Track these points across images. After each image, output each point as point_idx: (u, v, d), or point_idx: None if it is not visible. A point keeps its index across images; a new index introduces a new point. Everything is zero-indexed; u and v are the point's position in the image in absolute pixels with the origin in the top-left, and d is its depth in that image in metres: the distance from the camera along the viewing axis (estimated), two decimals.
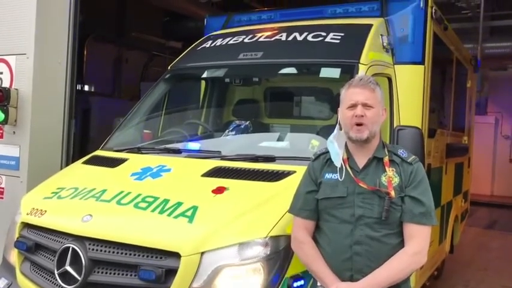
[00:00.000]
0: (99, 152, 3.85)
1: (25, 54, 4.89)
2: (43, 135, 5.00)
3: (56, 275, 2.68)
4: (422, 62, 3.99)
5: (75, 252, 2.65)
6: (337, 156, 2.30)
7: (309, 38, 3.90)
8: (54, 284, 2.74)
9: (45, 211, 3.03)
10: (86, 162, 3.71)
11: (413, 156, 2.33)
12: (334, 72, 3.65)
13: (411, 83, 3.93)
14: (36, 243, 2.97)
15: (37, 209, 3.07)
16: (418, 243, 2.21)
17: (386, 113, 2.41)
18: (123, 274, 2.56)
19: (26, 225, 3.11)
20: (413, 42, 4.00)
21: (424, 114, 4.00)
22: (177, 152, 3.58)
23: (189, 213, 2.64)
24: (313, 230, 2.38)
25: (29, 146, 4.88)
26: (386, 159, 2.28)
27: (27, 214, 3.10)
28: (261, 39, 4.12)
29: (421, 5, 4.00)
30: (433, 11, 4.13)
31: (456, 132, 5.84)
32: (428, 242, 2.26)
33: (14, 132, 4.95)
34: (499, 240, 9.00)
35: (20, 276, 3.05)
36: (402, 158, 2.30)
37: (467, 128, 6.63)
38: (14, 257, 3.13)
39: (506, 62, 13.37)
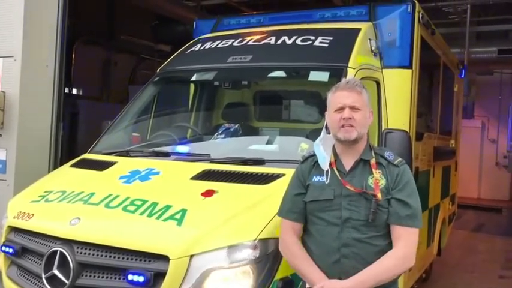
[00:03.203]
0: (87, 155, 3.83)
1: (12, 56, 4.87)
2: (30, 139, 4.97)
3: (43, 279, 2.67)
4: (410, 66, 4.03)
5: (62, 256, 2.63)
6: (324, 160, 2.31)
7: (298, 41, 3.91)
8: None
9: (33, 214, 3.00)
10: (73, 166, 3.69)
11: (400, 159, 2.35)
12: (322, 76, 3.67)
13: (399, 86, 3.96)
14: (23, 247, 2.95)
15: (24, 213, 3.04)
16: (406, 246, 2.22)
17: (372, 116, 2.42)
18: (111, 277, 2.56)
19: (13, 229, 3.08)
20: (401, 46, 4.03)
21: (411, 118, 4.04)
22: (166, 155, 3.57)
23: (178, 216, 2.63)
24: (301, 233, 2.39)
25: (16, 149, 4.85)
26: (373, 161, 2.29)
27: (14, 218, 3.07)
28: (250, 43, 4.13)
29: (409, 10, 4.04)
30: (421, 15, 4.17)
31: (443, 135, 5.89)
32: (416, 244, 2.27)
33: (0, 135, 4.91)
34: (486, 243, 9.08)
35: (6, 281, 3.02)
36: (389, 160, 2.31)
37: (455, 131, 6.70)
38: (0, 261, 3.10)
39: (493, 67, 13.53)
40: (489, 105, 15.10)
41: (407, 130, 3.59)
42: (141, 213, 2.72)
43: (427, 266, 5.61)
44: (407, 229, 2.23)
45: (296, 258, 2.33)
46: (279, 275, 2.49)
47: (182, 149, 3.84)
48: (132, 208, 2.77)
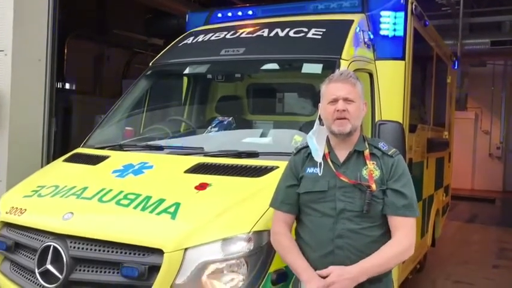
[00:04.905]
0: (80, 150, 3.81)
1: (3, 51, 4.81)
2: (23, 134, 4.93)
3: (37, 274, 2.65)
4: (403, 58, 4.02)
5: (56, 251, 2.62)
6: (317, 152, 2.31)
7: (291, 33, 3.90)
8: (35, 283, 2.71)
9: (25, 210, 2.99)
10: (66, 160, 3.67)
11: (394, 149, 2.35)
12: (316, 68, 3.66)
13: (392, 78, 3.96)
14: (16, 242, 2.93)
15: (17, 208, 3.02)
16: (406, 235, 2.23)
17: (366, 107, 2.42)
18: (105, 272, 2.55)
19: (6, 225, 3.06)
20: (394, 38, 4.02)
21: (405, 109, 4.04)
22: (159, 148, 3.56)
23: (171, 210, 2.63)
24: (292, 224, 2.39)
25: (8, 145, 4.80)
26: (367, 152, 2.29)
27: (7, 213, 3.05)
28: (243, 35, 4.11)
29: (402, 1, 4.03)
30: (414, 7, 4.17)
31: (437, 127, 5.90)
32: (414, 233, 2.29)
33: None
34: (480, 233, 9.14)
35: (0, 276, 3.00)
36: (383, 151, 2.31)
37: (448, 123, 6.72)
38: None
39: (486, 58, 13.58)
40: (482, 97, 15.18)
41: (401, 122, 3.59)
42: (135, 207, 2.71)
43: (421, 257, 5.64)
44: (404, 219, 2.23)
45: (284, 249, 2.34)
46: (273, 267, 2.49)
47: (175, 142, 3.82)
48: (126, 202, 2.76)
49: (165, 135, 4.03)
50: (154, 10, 11.36)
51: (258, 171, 2.92)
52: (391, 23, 4.03)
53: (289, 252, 2.31)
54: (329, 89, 2.31)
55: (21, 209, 3.01)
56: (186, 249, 2.43)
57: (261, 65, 4.07)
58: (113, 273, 2.52)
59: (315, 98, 3.94)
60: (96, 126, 4.08)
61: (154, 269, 2.42)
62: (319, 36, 3.81)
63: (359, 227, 2.21)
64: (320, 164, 2.29)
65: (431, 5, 10.63)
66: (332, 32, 3.87)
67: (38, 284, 2.68)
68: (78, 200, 2.89)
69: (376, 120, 3.58)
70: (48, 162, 4.95)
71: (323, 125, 2.36)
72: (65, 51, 10.94)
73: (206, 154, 3.27)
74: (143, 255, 2.48)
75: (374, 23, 4.08)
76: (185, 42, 4.41)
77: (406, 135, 3.56)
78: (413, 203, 2.26)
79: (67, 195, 2.96)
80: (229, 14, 4.82)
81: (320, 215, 2.26)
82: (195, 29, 4.71)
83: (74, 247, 2.61)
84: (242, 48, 3.91)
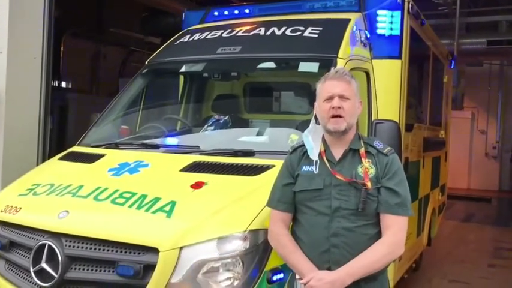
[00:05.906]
0: (75, 148, 3.80)
1: None
2: (18, 133, 4.92)
3: (32, 273, 2.64)
4: (399, 57, 4.02)
5: (51, 249, 2.61)
6: (313, 150, 2.31)
7: (288, 32, 3.89)
8: (30, 282, 2.70)
9: (20, 208, 2.97)
10: (62, 159, 3.66)
11: (389, 148, 2.35)
12: (312, 67, 3.65)
13: (389, 77, 3.96)
14: (11, 241, 2.92)
15: (11, 206, 3.01)
16: (394, 234, 2.22)
17: (362, 106, 2.42)
18: (100, 270, 2.54)
19: (0, 223, 3.04)
20: (391, 37, 4.02)
21: (401, 109, 4.04)
22: (155, 147, 3.55)
23: (167, 208, 2.62)
24: (290, 223, 2.39)
25: (3, 143, 4.80)
26: (362, 150, 2.29)
27: (1, 211, 3.03)
28: (239, 34, 4.10)
29: (398, 0, 4.03)
30: (410, 6, 4.17)
31: (433, 126, 5.91)
32: (405, 232, 2.28)
33: None
34: (476, 233, 9.17)
35: None
36: (378, 149, 2.31)
37: (444, 122, 6.73)
38: None
39: (482, 58, 13.61)
40: (479, 96, 15.22)
41: (397, 121, 3.59)
42: (130, 206, 2.70)
43: (417, 256, 5.64)
44: (396, 217, 2.23)
45: (285, 249, 2.33)
46: (269, 266, 2.48)
47: (171, 141, 3.81)
48: (121, 201, 2.75)
49: (161, 134, 4.01)
50: (151, 8, 11.34)
51: (254, 170, 2.92)
52: (387, 22, 4.03)
53: (291, 253, 2.30)
54: (324, 87, 2.31)
55: (16, 207, 2.99)
56: (181, 248, 2.42)
57: (258, 63, 4.06)
58: (108, 271, 2.51)
59: (311, 96, 3.91)
60: (92, 124, 4.06)
61: (150, 267, 2.42)
62: (316, 35, 3.80)
63: (354, 225, 2.21)
64: (316, 162, 2.29)
65: (428, 5, 10.64)
66: (329, 31, 3.86)
67: (33, 283, 2.67)
68: (74, 198, 2.88)
69: (373, 119, 3.57)
70: (43, 161, 4.94)
71: (319, 123, 2.36)
72: (61, 49, 10.92)
73: (202, 153, 3.27)
74: (138, 253, 2.47)
75: (371, 22, 4.08)
76: (181, 40, 4.40)
77: (403, 134, 3.57)
78: (406, 201, 2.26)
79: (62, 193, 2.95)
80: (226, 13, 4.81)
81: (315, 214, 2.26)
82: (191, 28, 4.69)
83: (69, 246, 2.60)
84: (238, 47, 3.90)
